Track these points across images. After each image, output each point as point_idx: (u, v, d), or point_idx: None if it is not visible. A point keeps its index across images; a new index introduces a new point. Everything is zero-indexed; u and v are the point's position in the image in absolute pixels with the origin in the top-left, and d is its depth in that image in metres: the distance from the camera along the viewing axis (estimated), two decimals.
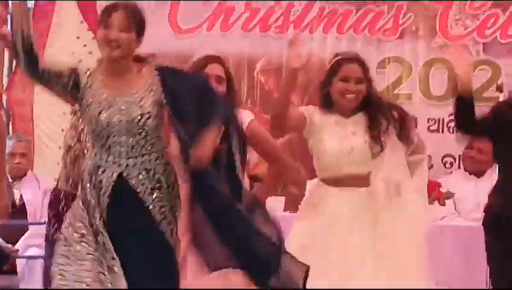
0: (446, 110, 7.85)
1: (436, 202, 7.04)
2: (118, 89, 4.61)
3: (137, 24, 4.60)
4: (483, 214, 5.43)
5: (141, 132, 4.60)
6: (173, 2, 8.33)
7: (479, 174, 7.30)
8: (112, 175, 4.61)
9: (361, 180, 5.30)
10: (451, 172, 7.93)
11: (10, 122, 8.40)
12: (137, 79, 4.63)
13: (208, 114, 4.62)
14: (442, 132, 8.13)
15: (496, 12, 8.15)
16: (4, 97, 7.97)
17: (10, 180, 7.58)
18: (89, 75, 4.61)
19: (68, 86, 4.58)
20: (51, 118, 8.34)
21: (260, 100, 8.22)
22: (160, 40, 7.98)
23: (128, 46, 4.57)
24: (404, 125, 5.34)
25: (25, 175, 7.80)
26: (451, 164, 8.04)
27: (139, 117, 4.56)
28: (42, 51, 7.91)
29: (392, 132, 5.30)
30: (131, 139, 4.60)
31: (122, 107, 4.56)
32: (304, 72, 6.91)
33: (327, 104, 5.32)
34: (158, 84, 4.61)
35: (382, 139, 5.28)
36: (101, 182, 4.62)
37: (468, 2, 8.17)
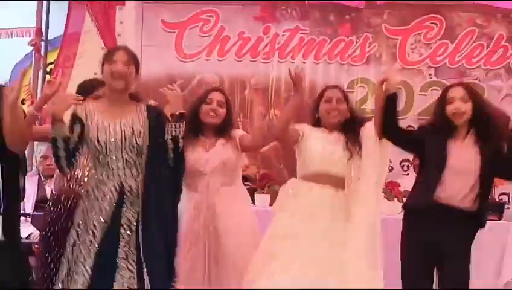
0: (404, 123, 7.66)
1: (396, 199, 6.94)
2: (114, 114, 4.57)
3: (135, 62, 4.61)
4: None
5: (132, 148, 4.56)
6: (179, 31, 8.14)
7: None
8: (115, 185, 4.55)
9: (338, 181, 5.17)
10: (408, 174, 7.78)
11: None
12: (131, 110, 4.60)
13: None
14: None
15: (446, 42, 8.07)
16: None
17: (43, 178, 7.50)
18: (84, 110, 4.57)
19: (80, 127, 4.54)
20: None
21: (251, 113, 8.01)
22: (168, 63, 8.11)
23: (129, 78, 4.55)
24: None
25: (53, 175, 7.62)
26: (408, 167, 7.88)
27: (131, 134, 4.53)
28: (68, 78, 7.92)
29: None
30: (125, 153, 4.55)
31: (118, 128, 4.53)
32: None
33: (316, 123, 5.30)
34: (145, 118, 4.57)
35: (356, 152, 5.18)
36: (104, 194, 4.53)
37: (423, 32, 8.04)
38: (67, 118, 4.52)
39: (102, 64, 4.62)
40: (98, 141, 4.50)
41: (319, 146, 5.23)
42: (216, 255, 5.14)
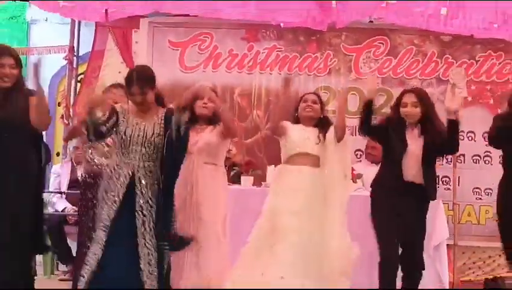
0: (357, 122, 7.95)
1: (351, 181, 6.75)
2: (142, 118, 4.66)
3: (151, 85, 4.64)
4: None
5: (150, 145, 4.62)
6: (182, 49, 8.17)
7: (375, 162, 7.22)
8: (128, 171, 4.59)
9: (313, 160, 5.35)
10: (360, 161, 7.87)
11: None
12: (154, 113, 4.67)
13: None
14: (355, 135, 7.87)
15: (390, 58, 8.08)
16: (71, 110, 7.92)
17: (75, 164, 7.52)
18: (125, 109, 4.70)
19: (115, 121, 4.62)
20: None
21: (238, 113, 8.10)
22: (173, 74, 8.03)
23: (148, 102, 4.64)
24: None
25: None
26: (360, 156, 7.94)
27: (150, 135, 4.62)
28: (95, 85, 7.94)
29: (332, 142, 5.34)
30: (143, 148, 4.62)
31: (142, 127, 4.63)
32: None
33: (296, 121, 5.48)
34: (163, 121, 4.64)
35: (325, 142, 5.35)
36: (119, 176, 4.59)
37: (373, 50, 8.04)
38: (105, 109, 4.57)
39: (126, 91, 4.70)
40: (125, 134, 4.58)
41: (298, 134, 5.38)
42: (198, 219, 5.19)
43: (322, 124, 5.46)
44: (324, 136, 5.35)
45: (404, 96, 5.37)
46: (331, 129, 5.33)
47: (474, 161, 7.88)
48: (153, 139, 4.60)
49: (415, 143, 5.30)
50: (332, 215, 5.25)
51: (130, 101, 4.74)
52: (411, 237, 5.29)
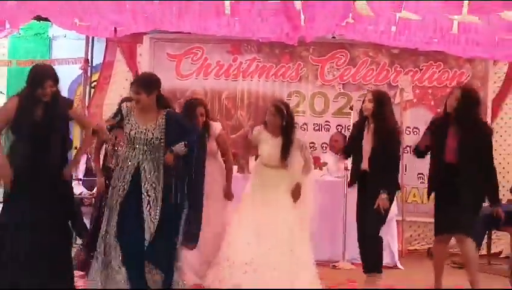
0: (323, 119, 8.06)
1: (318, 168, 6.98)
2: (143, 120, 4.61)
3: (146, 88, 4.55)
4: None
5: (151, 144, 4.58)
6: (178, 60, 8.18)
7: (337, 153, 7.26)
8: (134, 163, 4.59)
9: (278, 166, 5.34)
10: (326, 152, 7.88)
11: None
12: (155, 116, 4.61)
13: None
14: (321, 130, 8.09)
15: (349, 67, 8.12)
16: (86, 111, 7.90)
17: (89, 155, 7.47)
18: (127, 110, 4.65)
19: (120, 118, 4.65)
20: None
21: (225, 113, 8.12)
22: (170, 81, 7.95)
23: (142, 102, 4.56)
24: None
25: None
26: (326, 147, 7.96)
27: (150, 138, 4.58)
28: (106, 91, 8.00)
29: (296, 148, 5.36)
30: (145, 147, 4.59)
31: (143, 130, 4.59)
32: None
33: (265, 125, 5.42)
34: (164, 122, 4.59)
35: (290, 150, 5.31)
36: (127, 167, 4.59)
37: (335, 61, 8.07)
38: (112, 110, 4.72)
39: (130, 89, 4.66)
40: (129, 134, 4.58)
41: (266, 149, 5.36)
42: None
43: (286, 132, 5.34)
44: (287, 145, 5.29)
45: (366, 96, 5.41)
46: (299, 158, 5.36)
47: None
48: (152, 141, 4.57)
49: (369, 139, 5.26)
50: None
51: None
52: (369, 213, 5.22)
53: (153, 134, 4.57)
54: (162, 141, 4.57)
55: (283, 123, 5.32)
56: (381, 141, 5.15)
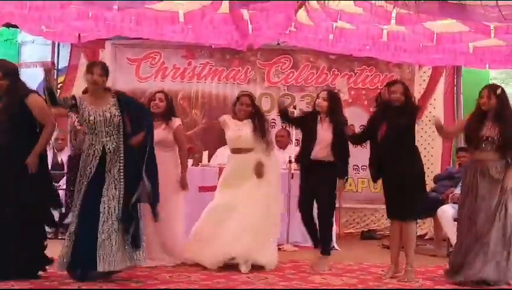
0: (270, 117, 7.88)
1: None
2: (97, 104, 4.52)
3: (106, 72, 4.56)
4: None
5: (111, 125, 4.49)
6: (137, 64, 8.03)
7: (282, 148, 7.24)
8: (99, 147, 4.49)
9: (247, 151, 5.28)
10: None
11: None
12: (106, 98, 4.54)
13: (140, 121, 4.51)
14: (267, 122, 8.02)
15: (293, 71, 8.09)
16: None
17: (56, 151, 7.39)
18: (80, 98, 4.55)
19: (73, 106, 4.53)
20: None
21: (181, 113, 7.75)
22: (131, 83, 7.89)
23: (101, 83, 4.52)
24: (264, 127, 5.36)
25: (63, 149, 7.58)
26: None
27: (109, 117, 4.48)
28: (71, 89, 7.70)
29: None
30: (106, 128, 4.49)
31: (101, 113, 4.49)
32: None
33: (234, 115, 5.39)
34: (116, 101, 4.52)
35: (257, 132, 5.28)
36: (94, 152, 4.49)
37: (280, 65, 8.05)
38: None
39: (86, 74, 4.53)
40: (89, 120, 4.47)
41: (233, 133, 5.32)
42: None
43: (255, 119, 5.34)
44: (257, 129, 5.28)
45: (320, 94, 5.36)
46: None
47: (354, 145, 7.85)
48: (112, 120, 4.47)
49: (324, 131, 5.20)
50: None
51: (84, 95, 4.59)
52: (322, 201, 5.19)
53: (110, 113, 4.47)
54: (119, 117, 4.48)
55: (252, 110, 5.36)
56: (336, 134, 5.16)
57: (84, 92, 4.62)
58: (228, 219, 5.14)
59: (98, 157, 4.45)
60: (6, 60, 4.72)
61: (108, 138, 4.48)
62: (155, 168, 4.53)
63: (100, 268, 4.28)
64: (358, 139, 5.35)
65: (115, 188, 4.37)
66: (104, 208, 4.33)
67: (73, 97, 4.57)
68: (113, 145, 4.46)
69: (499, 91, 4.76)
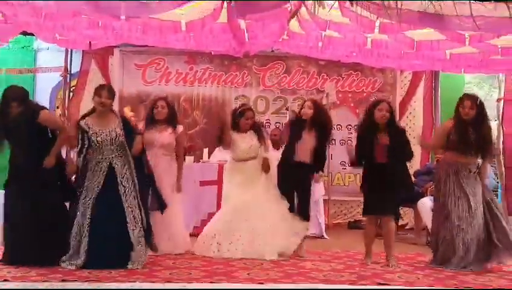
0: (265, 118, 8.07)
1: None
2: (103, 124, 4.64)
3: (112, 95, 4.68)
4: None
5: (116, 143, 4.62)
6: (144, 69, 8.10)
7: (277, 148, 7.24)
8: (106, 164, 4.60)
9: (254, 157, 5.43)
10: None
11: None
12: (112, 119, 4.67)
13: (132, 140, 4.66)
14: (264, 127, 8.06)
15: (285, 75, 8.17)
16: (66, 112, 7.70)
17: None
18: (85, 121, 4.65)
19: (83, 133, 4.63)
20: None
21: (183, 113, 8.01)
22: (137, 87, 8.01)
23: (109, 105, 4.65)
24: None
25: None
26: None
27: (115, 136, 4.62)
28: (82, 96, 7.85)
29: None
30: (112, 146, 4.62)
31: (107, 133, 4.61)
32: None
33: (236, 126, 5.48)
34: (120, 121, 4.67)
35: (261, 140, 5.47)
36: (101, 169, 4.59)
37: (274, 70, 8.09)
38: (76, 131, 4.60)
39: (94, 96, 4.63)
40: (96, 141, 4.57)
41: (246, 146, 5.41)
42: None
43: (255, 129, 5.49)
44: (260, 138, 5.44)
45: (305, 103, 5.45)
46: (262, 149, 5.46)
47: (341, 143, 7.95)
48: (118, 138, 4.60)
49: (308, 138, 5.30)
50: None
51: (89, 117, 4.68)
52: (303, 196, 5.34)
53: (116, 132, 4.58)
54: (123, 137, 4.60)
55: (253, 123, 5.52)
56: (318, 140, 5.31)
57: (85, 115, 4.71)
58: (252, 218, 5.23)
59: (104, 173, 4.54)
60: (17, 86, 4.81)
61: (114, 155, 4.58)
62: (152, 178, 4.77)
63: (132, 267, 4.49)
64: (358, 162, 5.27)
65: (134, 198, 4.50)
66: (130, 218, 4.49)
67: (78, 125, 4.64)
68: (119, 161, 4.56)
69: (479, 101, 4.92)
